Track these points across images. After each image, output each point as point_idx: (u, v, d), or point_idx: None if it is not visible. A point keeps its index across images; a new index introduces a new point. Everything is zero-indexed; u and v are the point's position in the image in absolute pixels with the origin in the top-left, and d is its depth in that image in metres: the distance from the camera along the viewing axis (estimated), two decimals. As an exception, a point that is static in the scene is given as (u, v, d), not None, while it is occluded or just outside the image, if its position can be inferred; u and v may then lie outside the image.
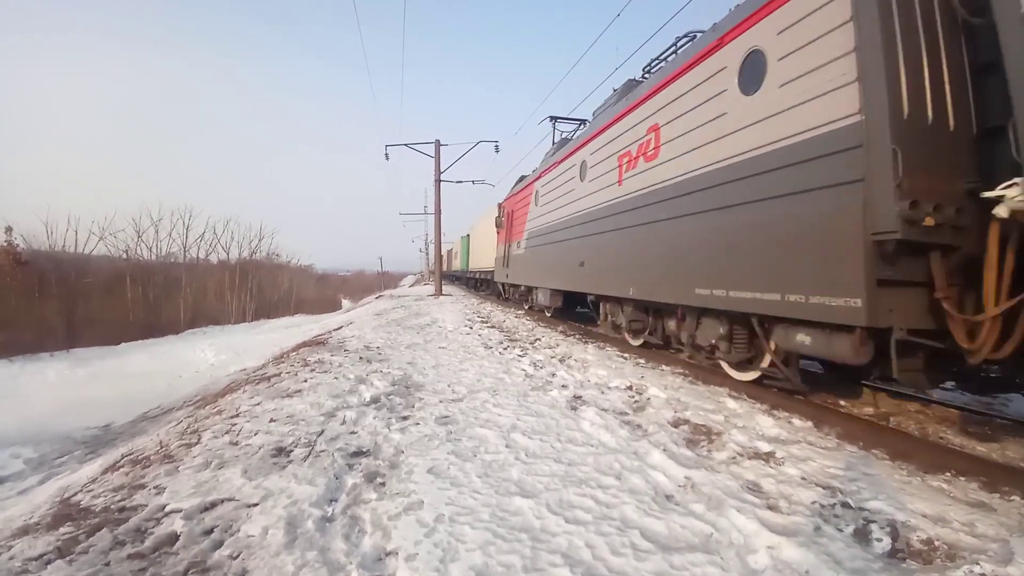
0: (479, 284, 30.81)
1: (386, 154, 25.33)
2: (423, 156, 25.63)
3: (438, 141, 25.40)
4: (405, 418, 4.67)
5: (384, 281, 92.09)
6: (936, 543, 2.55)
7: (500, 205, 18.97)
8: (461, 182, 29.33)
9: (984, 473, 3.39)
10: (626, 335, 8.72)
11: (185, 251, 45.59)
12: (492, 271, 21.90)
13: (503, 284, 19.65)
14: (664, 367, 6.94)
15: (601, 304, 9.73)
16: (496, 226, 19.33)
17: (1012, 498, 3.05)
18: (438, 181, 25.67)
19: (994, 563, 2.32)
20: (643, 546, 2.52)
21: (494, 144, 25.03)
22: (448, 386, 5.81)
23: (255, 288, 47.06)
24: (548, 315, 13.76)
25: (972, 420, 4.68)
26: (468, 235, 33.48)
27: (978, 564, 2.32)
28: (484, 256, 24.60)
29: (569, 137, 13.07)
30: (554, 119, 14.42)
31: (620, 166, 7.96)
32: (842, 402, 5.29)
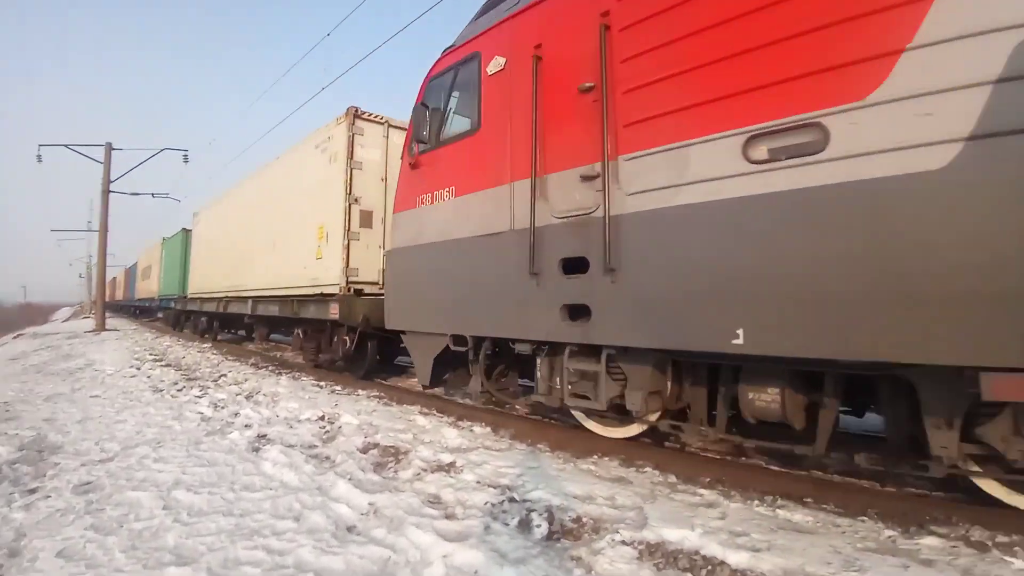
0: (234, 327, 15.88)
1: (39, 155, 20.24)
2: (90, 162, 21.08)
3: (109, 144, 21.07)
4: (32, 491, 3.58)
5: (29, 315, 72.00)
6: (584, 520, 2.91)
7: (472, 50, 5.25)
8: (138, 194, 24.49)
9: (622, 452, 4.10)
10: None
11: None
12: (273, 294, 10.30)
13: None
14: (360, 392, 6.82)
15: None
16: (414, 141, 5.70)
17: (645, 470, 3.74)
18: (107, 192, 21.25)
19: (631, 529, 2.73)
20: (316, 588, 2.33)
21: (183, 154, 21.91)
22: (96, 444, 4.66)
23: None
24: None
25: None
26: (189, 231, 19.15)
27: (618, 532, 2.70)
28: (262, 265, 11.03)
29: None
30: None
31: None
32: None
